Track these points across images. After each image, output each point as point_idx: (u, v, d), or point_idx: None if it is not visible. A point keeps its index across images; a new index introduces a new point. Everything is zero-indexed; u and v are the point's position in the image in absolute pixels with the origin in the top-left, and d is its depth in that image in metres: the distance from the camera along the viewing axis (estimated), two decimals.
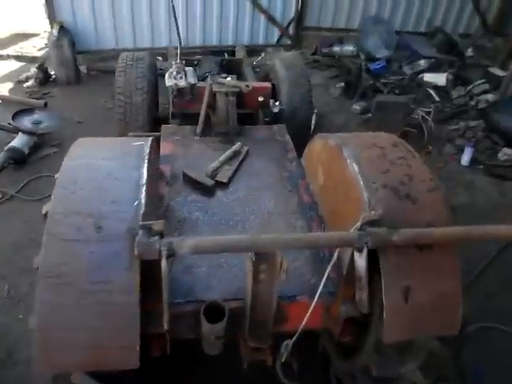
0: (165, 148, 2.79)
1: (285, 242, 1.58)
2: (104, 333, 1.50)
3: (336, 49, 6.90)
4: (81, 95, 5.53)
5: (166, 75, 3.21)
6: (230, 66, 4.28)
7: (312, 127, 4.78)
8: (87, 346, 1.50)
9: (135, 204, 1.64)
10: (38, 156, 4.29)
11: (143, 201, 1.65)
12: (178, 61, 3.19)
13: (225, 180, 2.49)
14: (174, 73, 3.18)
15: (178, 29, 3.89)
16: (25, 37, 7.11)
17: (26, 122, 4.32)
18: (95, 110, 5.22)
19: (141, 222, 1.52)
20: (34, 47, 6.68)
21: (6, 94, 5.48)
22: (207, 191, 2.43)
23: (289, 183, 2.54)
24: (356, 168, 1.81)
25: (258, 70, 5.10)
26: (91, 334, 1.49)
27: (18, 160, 4.10)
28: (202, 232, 2.15)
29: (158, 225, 1.52)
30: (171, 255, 1.50)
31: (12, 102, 5.14)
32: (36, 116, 4.45)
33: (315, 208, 2.32)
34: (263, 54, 6.78)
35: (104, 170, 1.75)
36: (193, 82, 3.15)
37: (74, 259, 1.53)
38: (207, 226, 2.21)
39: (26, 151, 4.15)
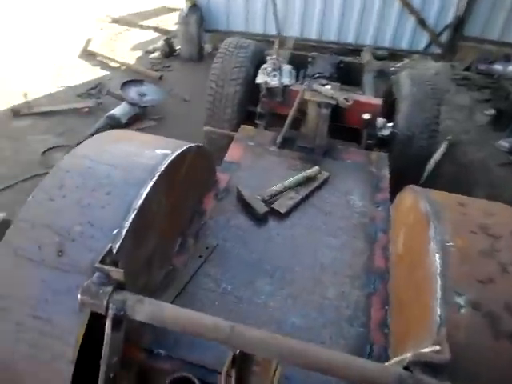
0: (232, 153, 2.37)
1: (281, 352, 1.03)
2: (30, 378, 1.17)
3: (498, 67, 5.69)
4: (198, 73, 5.40)
5: (260, 70, 2.77)
6: (348, 70, 3.63)
7: (437, 157, 3.95)
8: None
9: (114, 232, 1.25)
10: (135, 127, 4.24)
11: (124, 231, 1.25)
12: (275, 56, 2.72)
13: (282, 210, 1.98)
14: (269, 69, 2.72)
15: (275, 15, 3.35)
16: (167, 11, 7.31)
17: (133, 92, 4.30)
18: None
19: (97, 264, 1.12)
20: (172, 21, 6.79)
21: (133, 62, 5.63)
22: (256, 219, 1.95)
23: (364, 234, 1.92)
24: (439, 263, 1.16)
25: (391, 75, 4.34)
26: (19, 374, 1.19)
27: (115, 127, 4.08)
28: (226, 270, 1.68)
29: (116, 273, 1.11)
30: (120, 318, 1.08)
31: (132, 71, 5.25)
32: (144, 88, 4.40)
33: (385, 279, 1.69)
34: (406, 61, 5.92)
35: (100, 178, 1.38)
36: (286, 83, 2.66)
37: (21, 282, 1.22)
38: (237, 263, 1.73)
39: (124, 121, 4.13)
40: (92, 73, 5.34)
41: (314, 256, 1.79)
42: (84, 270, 1.19)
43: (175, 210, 1.67)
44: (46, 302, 1.18)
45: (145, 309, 1.08)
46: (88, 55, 5.75)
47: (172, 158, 1.51)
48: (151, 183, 1.38)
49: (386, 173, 2.33)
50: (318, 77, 3.00)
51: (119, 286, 1.12)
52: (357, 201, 2.12)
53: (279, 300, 1.59)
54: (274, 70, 2.69)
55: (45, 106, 4.43)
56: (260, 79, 2.72)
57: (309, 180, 2.16)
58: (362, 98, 2.78)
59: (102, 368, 1.12)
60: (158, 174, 1.42)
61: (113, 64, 5.52)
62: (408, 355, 0.99)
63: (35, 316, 1.18)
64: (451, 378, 0.95)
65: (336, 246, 1.84)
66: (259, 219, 1.94)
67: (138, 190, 1.35)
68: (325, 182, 2.21)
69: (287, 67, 2.78)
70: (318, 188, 2.16)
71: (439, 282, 1.10)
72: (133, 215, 1.29)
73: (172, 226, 1.69)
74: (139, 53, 5.88)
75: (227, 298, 1.60)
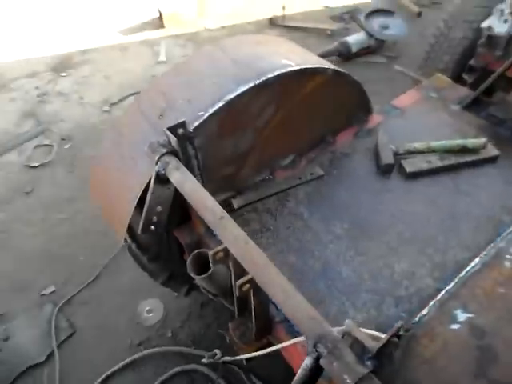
0: (403, 98, 2.16)
1: (244, 256, 1.06)
2: (119, 195, 1.58)
3: None
4: None
5: (493, 11, 2.29)
6: None
7: None
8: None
9: (200, 114, 1.44)
10: (363, 60, 4.17)
11: (207, 115, 1.42)
12: None
13: (408, 169, 1.74)
14: (506, 11, 2.21)
15: None
16: None
17: (375, 23, 4.15)
18: None
19: (165, 129, 1.32)
20: None
21: None
22: (377, 168, 1.80)
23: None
24: None
25: None
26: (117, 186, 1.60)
27: (343, 55, 4.12)
28: (313, 202, 1.68)
29: (174, 142, 1.32)
30: (163, 176, 1.30)
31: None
32: (389, 21, 4.18)
33: None
34: None
35: (217, 68, 1.57)
36: None
37: (133, 128, 1.58)
38: (326, 201, 1.67)
39: (354, 50, 4.10)
40: None
41: (414, 234, 1.56)
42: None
43: (289, 125, 1.72)
44: (139, 146, 1.49)
45: (175, 175, 1.27)
46: None
47: (289, 69, 1.54)
48: (251, 84, 1.47)
49: None
50: None
51: (172, 153, 1.33)
52: None
53: (341, 250, 1.52)
54: (510, 13, 2.18)
55: (296, 21, 4.78)
56: (486, 23, 2.27)
57: (465, 151, 1.81)
58: None
59: (144, 209, 1.40)
60: (264, 78, 1.49)
61: None
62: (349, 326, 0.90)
63: (131, 156, 1.54)
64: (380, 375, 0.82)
65: (450, 243, 1.53)
66: (380, 170, 1.79)
67: (237, 86, 1.48)
68: (489, 160, 1.81)
69: None
70: (473, 164, 1.80)
71: None
72: (220, 104, 1.44)
73: (283, 140, 1.76)
74: None
75: (298, 223, 1.63)
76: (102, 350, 2.29)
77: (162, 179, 1.33)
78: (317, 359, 0.88)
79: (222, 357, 1.23)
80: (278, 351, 1.27)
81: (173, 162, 1.30)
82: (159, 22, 5.33)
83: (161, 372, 2.14)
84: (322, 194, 1.71)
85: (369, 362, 0.84)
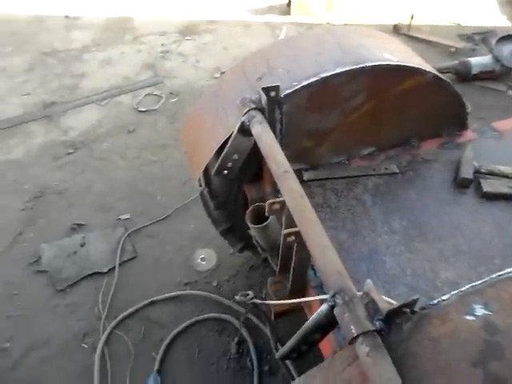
0: (506, 122, 2.09)
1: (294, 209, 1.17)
2: (204, 140, 1.75)
3: None
4: None
5: None
6: None
7: None
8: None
9: (294, 83, 1.56)
10: (480, 84, 3.97)
11: (300, 86, 1.54)
12: None
13: (485, 188, 1.67)
14: None
15: None
16: None
17: (506, 48, 3.90)
18: None
19: (260, 88, 1.46)
20: None
21: None
22: (454, 180, 1.77)
23: None
24: None
25: None
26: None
27: (461, 74, 3.97)
28: (379, 196, 1.73)
29: (264, 100, 1.44)
30: (246, 127, 1.44)
31: None
32: None
33: None
34: None
35: (319, 48, 1.66)
36: None
37: (232, 85, 1.75)
38: (394, 200, 1.70)
39: (474, 71, 3.91)
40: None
41: (471, 249, 1.53)
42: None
43: (376, 117, 1.77)
44: (233, 101, 1.64)
45: (257, 128, 1.40)
46: None
47: (388, 63, 1.59)
48: (348, 68, 1.55)
49: None
50: None
51: (260, 110, 1.46)
52: None
53: (392, 243, 1.55)
54: None
55: (421, 33, 4.67)
56: None
57: None
58: None
59: (222, 154, 1.55)
60: (362, 65, 1.56)
61: None
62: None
63: (224, 108, 1.70)
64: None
65: (505, 268, 1.48)
66: (457, 183, 1.77)
67: (335, 67, 1.56)
68: None
69: None
70: None
71: None
72: (314, 79, 1.54)
73: (366, 130, 1.81)
74: None
75: (359, 208, 1.68)
76: (153, 278, 2.54)
77: (245, 130, 1.46)
78: (332, 308, 0.95)
79: (254, 298, 1.35)
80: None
81: (258, 117, 1.44)
82: (286, 9, 5.51)
83: (197, 313, 2.34)
84: (391, 190, 1.74)
85: (377, 323, 0.90)
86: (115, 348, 2.26)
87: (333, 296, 0.96)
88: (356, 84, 1.62)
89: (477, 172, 1.77)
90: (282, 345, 1.10)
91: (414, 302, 0.90)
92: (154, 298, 2.40)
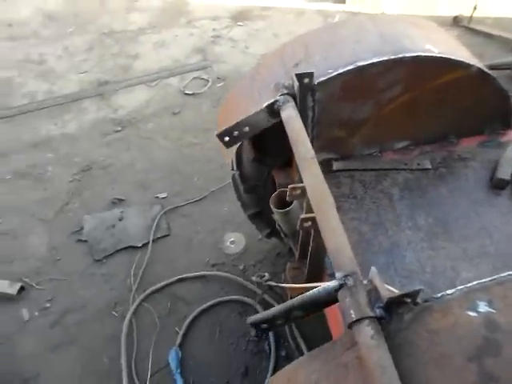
0: None
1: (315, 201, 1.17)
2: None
3: None
4: None
5: None
6: None
7: None
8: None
9: (329, 71, 1.55)
10: None
11: (335, 73, 1.53)
12: None
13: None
14: None
15: None
16: None
17: None
18: None
19: (294, 74, 1.46)
20: None
21: None
22: (490, 180, 1.69)
23: None
24: None
25: None
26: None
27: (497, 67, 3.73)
28: (403, 191, 1.70)
29: (296, 86, 1.45)
30: (277, 110, 1.45)
31: None
32: None
33: None
34: None
35: (358, 36, 1.64)
36: None
37: (270, 69, 1.77)
38: (423, 197, 1.66)
39: None
40: None
41: (497, 252, 1.47)
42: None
43: (413, 111, 1.72)
44: (269, 85, 1.64)
45: (286, 112, 1.41)
46: None
47: (428, 54, 1.54)
48: (385, 58, 1.52)
49: None
50: None
51: (292, 95, 1.47)
52: None
53: (415, 239, 1.52)
54: None
55: (482, 25, 4.42)
56: None
57: None
58: None
59: (237, 119, 1.54)
60: (400, 56, 1.52)
61: None
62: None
63: (259, 91, 1.72)
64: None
65: None
66: (493, 183, 1.69)
67: (372, 56, 1.54)
68: None
69: None
70: None
71: None
72: (349, 67, 1.52)
73: (401, 123, 1.76)
74: None
75: (385, 201, 1.65)
76: (184, 257, 2.63)
77: (271, 110, 1.47)
78: (339, 288, 0.96)
79: (270, 280, 1.38)
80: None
81: (290, 102, 1.45)
82: None
83: (222, 294, 2.40)
84: (421, 185, 1.70)
85: (378, 310, 0.90)
86: (142, 319, 2.37)
87: (344, 277, 0.96)
88: (393, 75, 1.58)
89: None
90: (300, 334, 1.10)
91: (416, 292, 0.89)
92: (182, 276, 2.49)
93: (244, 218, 2.31)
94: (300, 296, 1.02)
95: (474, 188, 1.68)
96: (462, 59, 1.60)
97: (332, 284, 0.97)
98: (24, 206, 3.03)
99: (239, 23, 5.02)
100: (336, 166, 1.78)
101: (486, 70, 1.66)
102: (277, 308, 1.04)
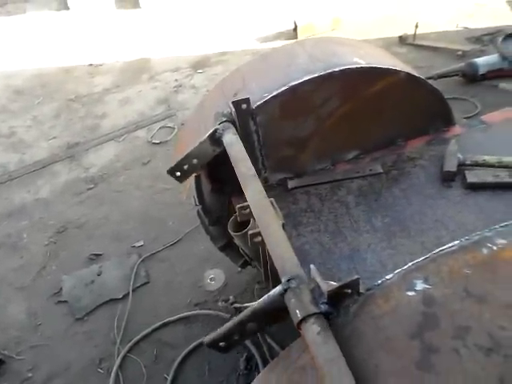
0: (494, 115, 2.04)
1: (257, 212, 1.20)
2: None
3: None
4: None
5: None
6: None
7: None
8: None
9: (264, 95, 1.62)
10: (491, 83, 3.89)
11: (270, 96, 1.60)
12: None
13: (470, 179, 1.65)
14: None
15: None
16: None
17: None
18: None
19: (230, 102, 1.53)
20: None
21: None
22: (439, 174, 1.75)
23: None
24: None
25: None
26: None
27: (468, 76, 3.91)
28: (360, 197, 1.73)
29: (230, 113, 1.52)
30: (218, 138, 1.51)
31: None
32: None
33: None
34: None
35: (291, 60, 1.73)
36: None
37: (212, 101, 1.84)
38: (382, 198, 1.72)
39: (482, 71, 3.84)
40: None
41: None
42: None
43: (355, 121, 1.79)
44: (212, 116, 1.72)
45: (227, 138, 1.46)
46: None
47: (355, 66, 1.63)
48: (316, 75, 1.60)
49: None
50: None
51: (231, 122, 1.53)
52: None
53: (374, 241, 1.55)
54: None
55: (427, 40, 4.65)
56: None
57: None
58: None
59: (184, 153, 1.59)
60: (329, 71, 1.61)
61: None
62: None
63: (204, 123, 1.78)
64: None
65: None
66: (442, 177, 1.74)
67: (303, 75, 1.62)
68: None
69: None
70: None
71: None
72: (283, 89, 1.60)
73: (347, 134, 1.83)
74: None
75: (342, 209, 1.69)
76: (165, 301, 2.59)
77: (213, 139, 1.53)
78: (281, 293, 0.97)
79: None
80: None
81: (229, 128, 1.51)
82: (293, 33, 5.66)
83: (207, 332, 2.35)
84: (375, 189, 1.74)
85: (322, 306, 0.91)
86: (129, 371, 2.31)
87: (288, 281, 0.98)
88: (326, 89, 1.66)
89: (462, 164, 1.73)
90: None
91: (355, 281, 0.91)
92: (165, 320, 2.45)
93: (220, 254, 2.31)
94: (250, 307, 1.02)
95: (425, 184, 1.73)
96: (388, 66, 1.69)
97: (277, 289, 0.99)
98: (0, 276, 3.00)
99: (199, 71, 5.22)
100: (291, 184, 1.82)
101: (414, 73, 1.76)
102: (229, 323, 1.04)
